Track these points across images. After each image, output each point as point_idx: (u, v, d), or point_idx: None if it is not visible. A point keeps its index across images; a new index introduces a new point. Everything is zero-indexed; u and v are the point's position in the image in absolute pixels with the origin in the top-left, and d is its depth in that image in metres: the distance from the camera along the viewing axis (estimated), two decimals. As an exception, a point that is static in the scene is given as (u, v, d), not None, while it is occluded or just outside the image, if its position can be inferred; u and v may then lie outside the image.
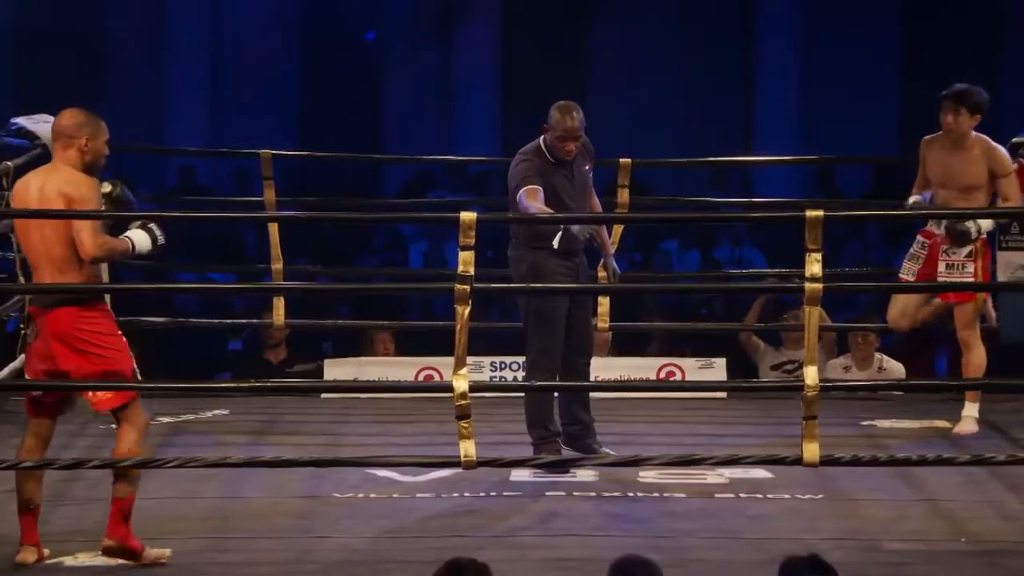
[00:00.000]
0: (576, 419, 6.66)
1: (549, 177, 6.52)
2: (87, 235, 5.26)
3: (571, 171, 6.61)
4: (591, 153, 6.74)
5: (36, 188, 5.36)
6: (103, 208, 5.42)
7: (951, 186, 6.94)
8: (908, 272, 7.06)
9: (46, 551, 5.36)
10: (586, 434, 6.67)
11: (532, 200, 6.39)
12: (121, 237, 5.41)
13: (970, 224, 6.81)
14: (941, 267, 6.98)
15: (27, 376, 5.49)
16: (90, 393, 5.40)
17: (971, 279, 6.90)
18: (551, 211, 6.39)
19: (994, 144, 6.96)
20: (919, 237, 7.12)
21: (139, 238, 5.44)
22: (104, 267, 5.51)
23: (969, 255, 6.93)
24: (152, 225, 5.50)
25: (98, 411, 5.50)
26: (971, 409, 7.10)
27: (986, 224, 6.86)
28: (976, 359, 7.01)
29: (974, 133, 6.96)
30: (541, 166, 6.54)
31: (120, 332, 5.47)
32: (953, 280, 6.91)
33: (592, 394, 7.55)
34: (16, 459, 5.43)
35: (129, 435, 5.44)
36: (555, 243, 6.47)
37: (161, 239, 5.49)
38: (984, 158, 6.90)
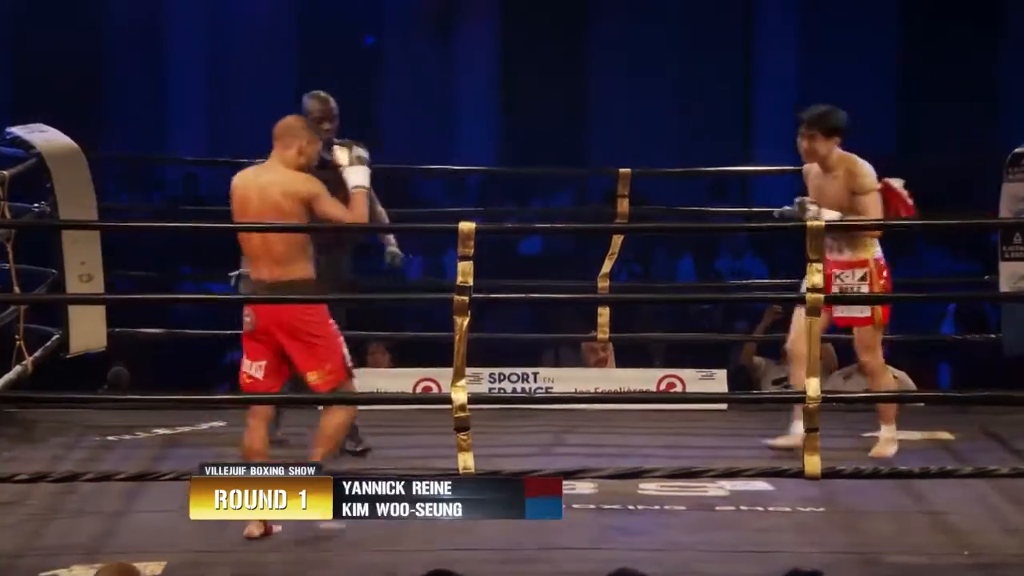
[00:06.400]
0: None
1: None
2: (341, 212, 5.82)
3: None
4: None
5: (257, 188, 5.83)
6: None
7: (829, 206, 6.87)
8: (866, 312, 6.90)
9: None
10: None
11: None
12: (353, 188, 5.88)
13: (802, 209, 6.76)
14: (834, 290, 6.82)
15: (246, 361, 5.85)
16: (311, 377, 5.82)
17: (865, 305, 6.84)
18: None
19: (858, 164, 6.85)
20: None
21: (361, 174, 5.92)
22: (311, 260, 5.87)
23: (863, 278, 6.84)
24: (359, 151, 5.96)
25: (316, 390, 5.88)
26: (888, 430, 6.96)
27: (828, 213, 6.73)
28: (883, 384, 6.94)
29: (839, 153, 6.89)
30: None
31: (332, 320, 5.88)
32: (851, 306, 6.79)
33: (592, 405, 7.59)
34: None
35: (336, 415, 5.86)
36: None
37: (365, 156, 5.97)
38: (845, 178, 6.85)
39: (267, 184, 5.85)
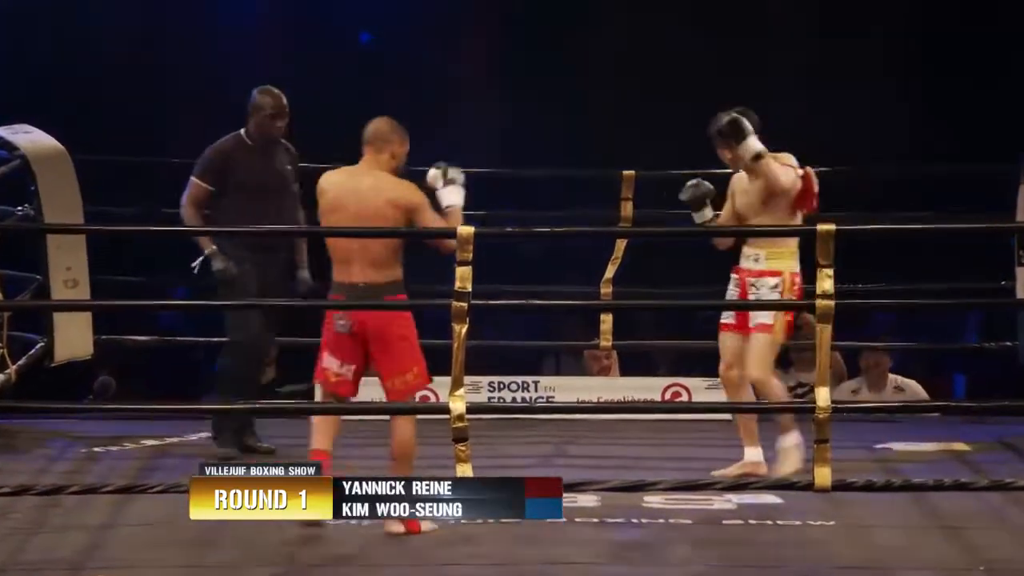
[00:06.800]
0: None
1: (244, 163, 7.28)
2: (440, 223, 5.97)
3: (270, 162, 7.33)
4: (294, 157, 7.48)
5: (355, 193, 5.98)
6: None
7: (752, 209, 6.88)
8: (728, 316, 6.90)
9: None
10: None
11: (187, 200, 7.40)
12: (447, 207, 6.05)
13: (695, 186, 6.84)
14: (750, 299, 6.84)
15: (327, 359, 6.03)
16: (398, 381, 6.05)
17: (772, 317, 6.77)
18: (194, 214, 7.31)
19: (780, 154, 6.84)
20: (732, 275, 6.98)
21: (456, 194, 6.07)
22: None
23: (775, 287, 6.78)
24: (454, 173, 6.08)
25: (391, 399, 6.14)
26: (789, 439, 6.82)
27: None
28: (775, 396, 6.78)
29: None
30: (234, 153, 7.30)
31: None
32: (758, 315, 6.76)
33: (595, 415, 7.57)
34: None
35: (406, 426, 6.05)
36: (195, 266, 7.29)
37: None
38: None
39: (368, 189, 6.00)
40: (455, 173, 6.14)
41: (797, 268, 6.82)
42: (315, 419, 6.15)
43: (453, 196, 6.11)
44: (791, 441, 6.75)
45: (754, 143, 6.74)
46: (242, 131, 7.41)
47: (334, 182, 6.09)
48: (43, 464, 7.12)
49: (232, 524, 5.87)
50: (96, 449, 7.47)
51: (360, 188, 6.01)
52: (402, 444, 6.06)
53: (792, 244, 6.79)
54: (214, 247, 7.23)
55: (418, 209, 5.99)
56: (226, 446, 7.32)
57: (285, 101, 7.37)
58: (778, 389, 6.80)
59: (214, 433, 7.43)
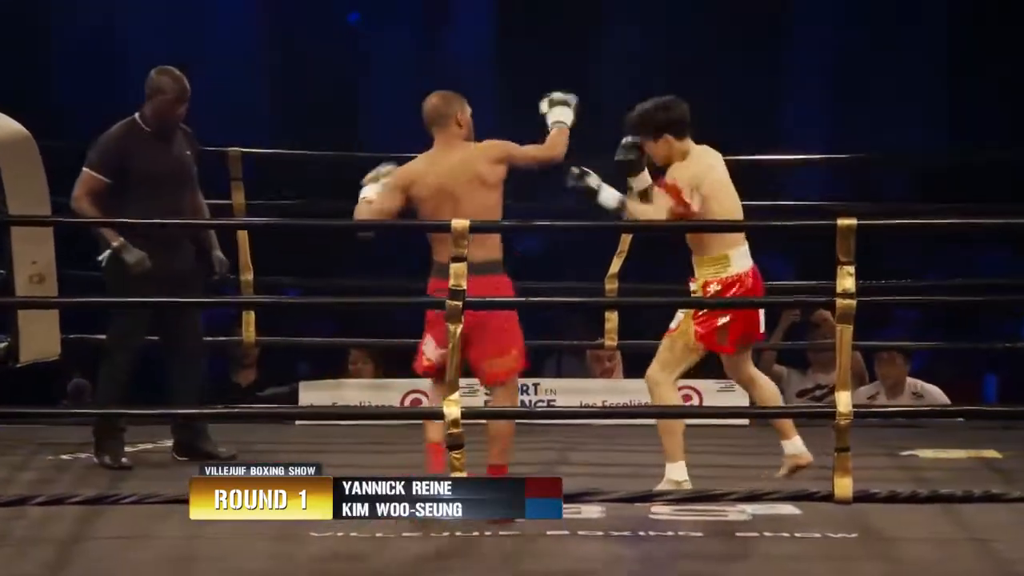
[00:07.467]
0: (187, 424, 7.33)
1: (141, 152, 7.16)
2: (540, 151, 6.36)
3: (170, 149, 7.26)
4: (195, 143, 7.44)
5: (435, 175, 6.21)
6: None
7: None
8: (676, 321, 6.78)
9: None
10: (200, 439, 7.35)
11: (81, 193, 7.20)
12: (552, 124, 6.39)
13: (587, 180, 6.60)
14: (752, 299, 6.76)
15: (426, 341, 6.26)
16: (497, 364, 6.22)
17: (677, 321, 6.68)
18: (93, 209, 7.14)
19: (679, 164, 6.62)
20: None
21: (563, 112, 6.45)
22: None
23: (693, 292, 6.68)
24: (556, 95, 6.48)
25: (488, 384, 6.41)
26: (791, 446, 6.71)
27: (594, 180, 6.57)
28: (657, 401, 6.73)
29: (679, 149, 6.64)
30: (129, 142, 7.20)
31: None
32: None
33: (600, 420, 7.47)
34: None
35: (506, 401, 6.32)
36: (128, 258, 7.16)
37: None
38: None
39: (458, 163, 6.24)
40: (558, 96, 6.44)
41: (722, 275, 6.64)
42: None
43: (556, 114, 6.41)
44: (675, 475, 6.61)
45: (644, 178, 6.56)
46: (136, 116, 7.27)
47: (419, 170, 6.28)
48: (7, 472, 7.11)
49: (210, 537, 5.83)
50: (64, 456, 7.45)
51: (451, 165, 6.23)
52: (497, 426, 6.22)
53: (717, 251, 6.63)
54: (122, 239, 7.12)
55: (511, 155, 6.26)
56: (104, 454, 7.19)
57: (187, 83, 7.28)
58: (668, 400, 6.71)
59: (95, 440, 7.24)
